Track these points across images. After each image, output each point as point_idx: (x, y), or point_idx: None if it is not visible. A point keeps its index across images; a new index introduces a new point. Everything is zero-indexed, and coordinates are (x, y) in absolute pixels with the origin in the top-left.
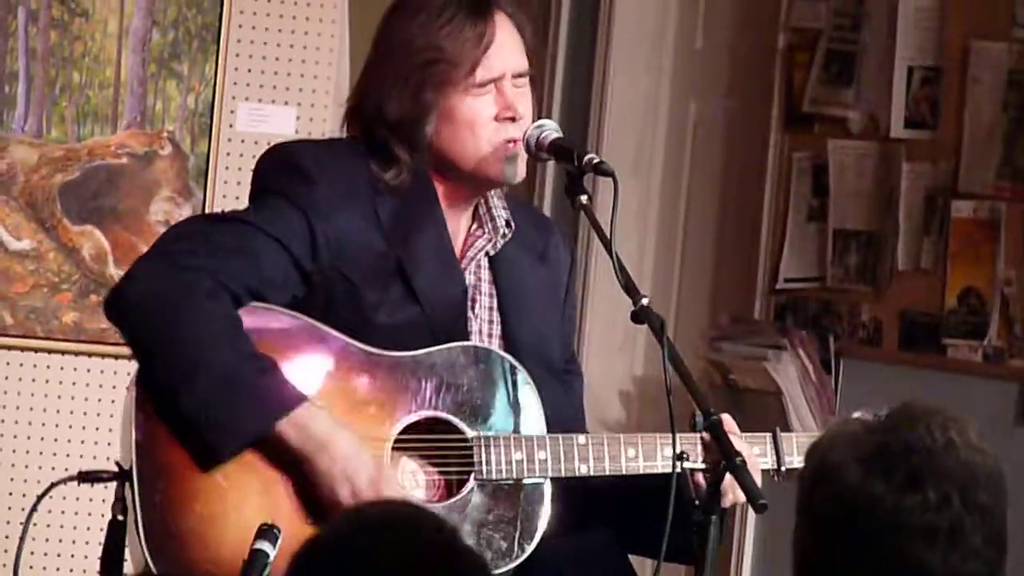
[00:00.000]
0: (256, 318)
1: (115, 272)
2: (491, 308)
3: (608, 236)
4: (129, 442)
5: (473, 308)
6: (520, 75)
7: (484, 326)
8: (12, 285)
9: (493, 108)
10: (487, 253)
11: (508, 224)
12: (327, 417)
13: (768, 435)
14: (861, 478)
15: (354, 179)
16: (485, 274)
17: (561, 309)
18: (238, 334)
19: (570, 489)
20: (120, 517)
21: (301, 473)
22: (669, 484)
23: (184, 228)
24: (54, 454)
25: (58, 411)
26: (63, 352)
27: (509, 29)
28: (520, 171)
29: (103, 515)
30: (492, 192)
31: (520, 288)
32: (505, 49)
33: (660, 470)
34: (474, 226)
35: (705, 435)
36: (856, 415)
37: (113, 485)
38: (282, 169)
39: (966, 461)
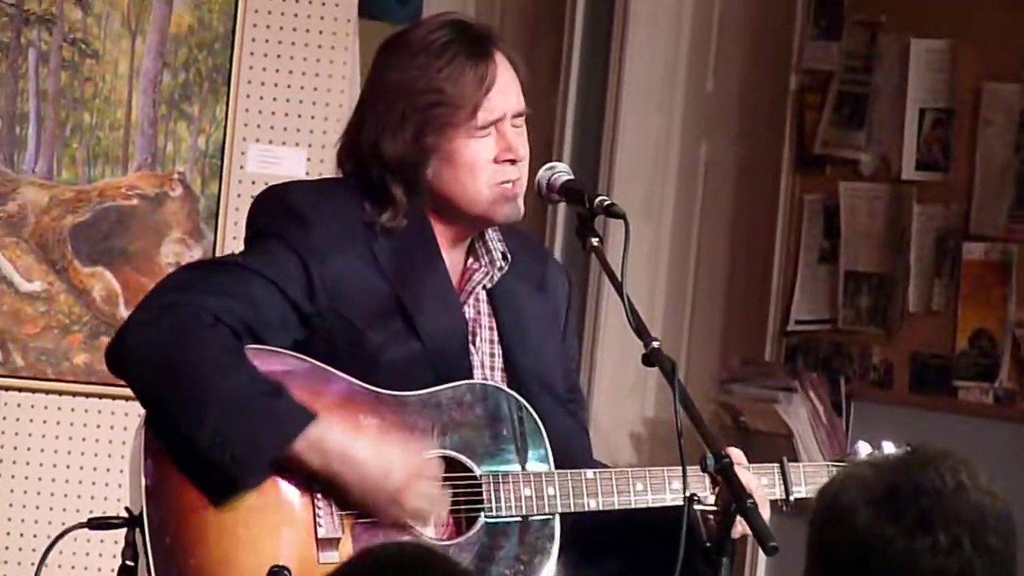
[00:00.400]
0: (261, 360)
1: (125, 314)
2: (492, 341)
3: (619, 278)
4: (138, 487)
5: (474, 341)
6: (518, 114)
7: (486, 359)
8: (23, 326)
9: (493, 150)
10: (484, 286)
11: (504, 256)
12: (340, 428)
13: (776, 466)
14: (872, 520)
15: (349, 220)
16: (484, 307)
17: (561, 336)
18: (240, 362)
19: (578, 525)
20: (130, 563)
21: (311, 502)
22: (677, 522)
23: (179, 275)
24: (65, 495)
25: (69, 452)
26: (73, 394)
27: (506, 68)
28: (519, 210)
29: (114, 554)
30: (488, 228)
31: (519, 318)
32: (505, 90)
33: (669, 503)
34: (471, 260)
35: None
36: (860, 446)
37: (123, 531)
38: (276, 212)
39: (976, 503)
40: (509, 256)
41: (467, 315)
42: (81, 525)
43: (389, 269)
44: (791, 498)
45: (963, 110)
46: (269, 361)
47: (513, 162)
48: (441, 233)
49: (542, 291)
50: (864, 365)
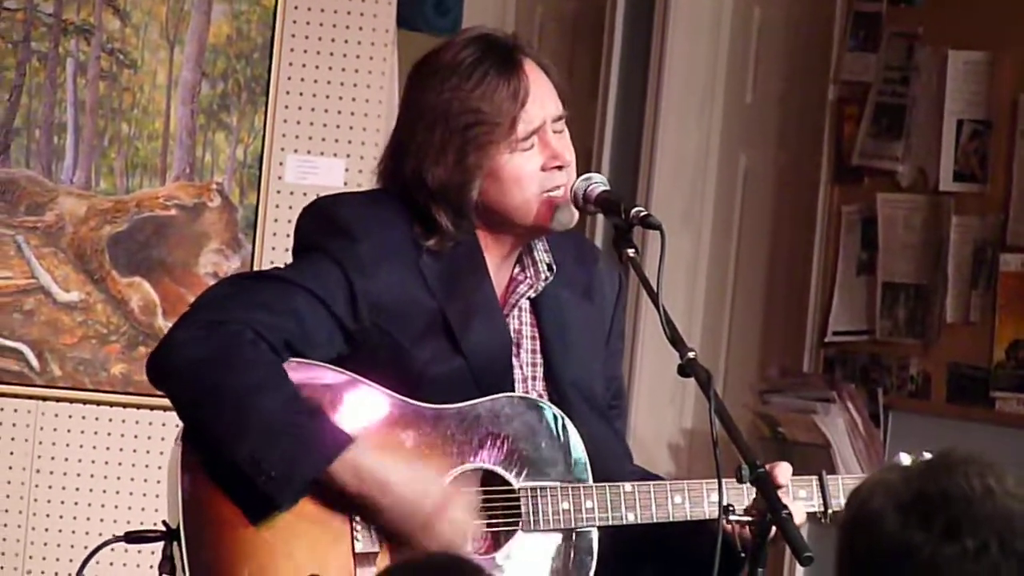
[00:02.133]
0: (300, 373)
1: (164, 324)
2: (534, 351)
3: (655, 289)
4: (176, 501)
5: (517, 353)
6: (558, 118)
7: (528, 369)
8: (60, 336)
9: (539, 159)
10: (528, 297)
11: (550, 268)
12: (378, 454)
13: (815, 478)
14: (900, 526)
15: (397, 235)
16: (527, 317)
17: (605, 343)
18: (282, 382)
19: (612, 535)
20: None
21: (350, 523)
22: (712, 533)
23: (223, 288)
24: (102, 506)
25: (107, 463)
26: (111, 404)
27: (538, 75)
28: (574, 216)
29: (151, 571)
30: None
31: (562, 327)
32: (540, 98)
33: (707, 516)
34: (516, 271)
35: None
36: (902, 456)
37: (161, 543)
38: (323, 225)
39: (1004, 508)
40: (555, 266)
41: (511, 326)
42: (119, 539)
43: (435, 285)
44: (829, 511)
45: (1000, 121)
46: (308, 374)
47: (560, 168)
48: (490, 248)
49: (588, 297)
50: (902, 376)
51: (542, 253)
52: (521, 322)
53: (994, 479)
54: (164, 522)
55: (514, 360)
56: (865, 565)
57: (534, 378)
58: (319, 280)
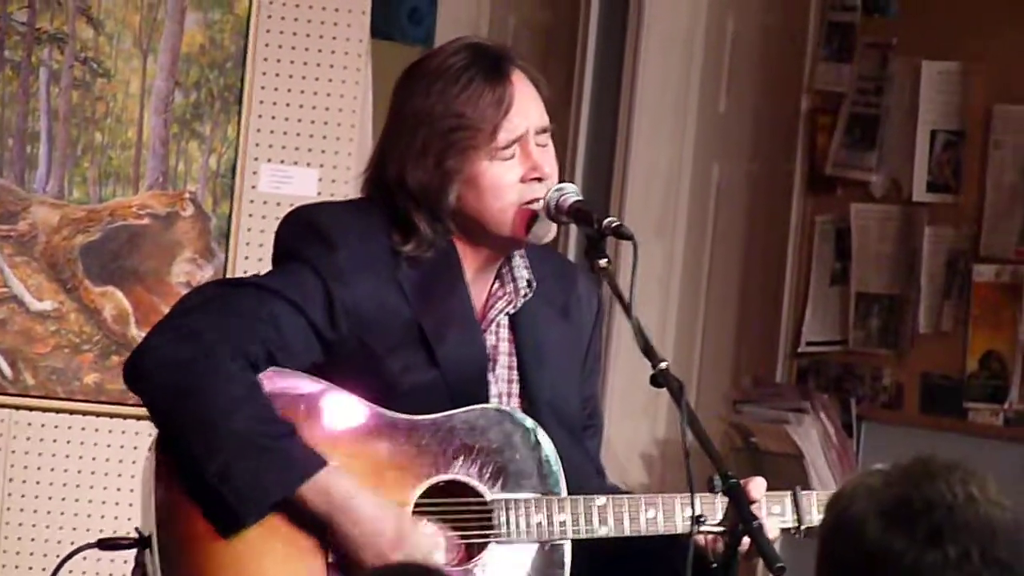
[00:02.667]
0: (276, 382)
1: (136, 333)
2: (510, 367)
3: (628, 300)
4: (149, 509)
5: (493, 368)
6: (542, 130)
7: (504, 385)
8: (33, 346)
9: (519, 170)
10: (507, 313)
11: (529, 284)
12: (348, 480)
13: (788, 493)
14: (881, 532)
15: (376, 245)
16: (505, 333)
17: (582, 363)
18: (257, 398)
19: (585, 548)
20: None
21: (323, 538)
22: (684, 544)
23: (202, 294)
24: (75, 515)
25: (79, 472)
26: (84, 413)
27: (526, 85)
28: (551, 230)
29: None
30: (515, 254)
31: (539, 345)
32: (525, 107)
33: (680, 531)
34: (496, 286)
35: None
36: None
37: (133, 551)
38: (302, 234)
39: (986, 516)
40: (534, 283)
41: (488, 342)
42: (91, 545)
43: (412, 296)
44: (803, 526)
45: (974, 132)
46: (284, 383)
47: (540, 180)
48: (468, 259)
49: (566, 316)
50: (875, 386)
51: (522, 269)
52: (499, 338)
53: (976, 487)
54: (137, 529)
55: (490, 375)
56: (846, 570)
57: (509, 395)
58: (297, 288)
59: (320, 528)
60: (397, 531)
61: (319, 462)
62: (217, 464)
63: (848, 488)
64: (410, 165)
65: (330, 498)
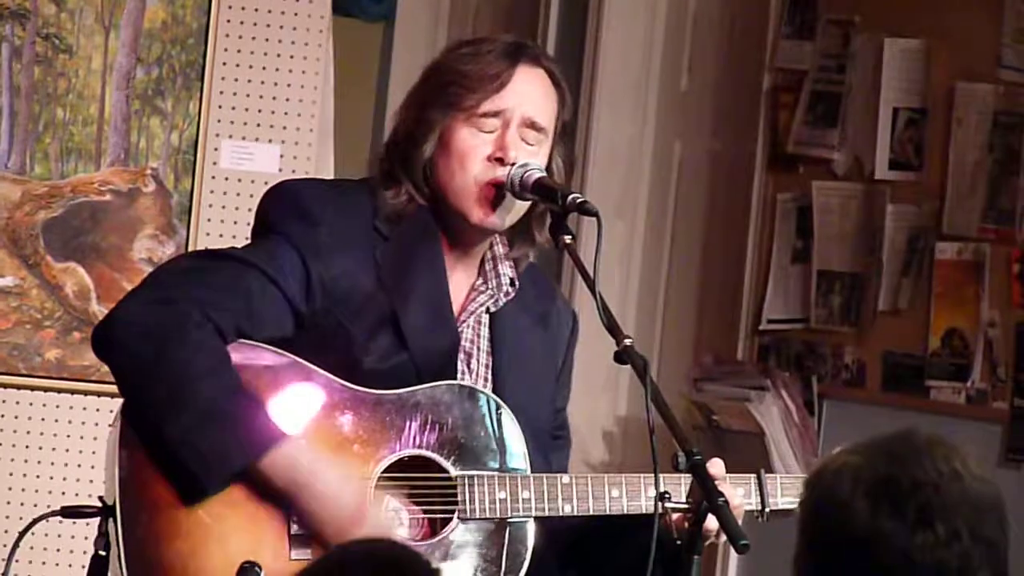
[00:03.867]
0: (242, 354)
1: (98, 309)
2: (486, 365)
3: (592, 276)
4: (112, 477)
5: (469, 364)
6: (531, 125)
7: (479, 383)
8: None
9: (489, 146)
10: (488, 309)
11: (512, 283)
12: (312, 453)
13: (753, 476)
14: (870, 514)
15: (357, 222)
16: (484, 331)
17: (556, 374)
18: (225, 368)
19: (547, 523)
20: (102, 552)
21: (285, 509)
22: (649, 521)
23: (178, 263)
24: (36, 491)
25: (40, 448)
26: (45, 389)
27: (541, 82)
28: (505, 218)
29: (86, 551)
30: (497, 248)
31: (516, 349)
32: (523, 92)
33: (644, 510)
34: (479, 281)
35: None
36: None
37: (96, 520)
38: (285, 208)
39: (972, 492)
40: (517, 283)
41: (466, 335)
42: (54, 513)
43: (388, 276)
44: (767, 509)
45: (936, 110)
46: (250, 355)
47: (502, 162)
48: (448, 246)
49: (544, 327)
50: (836, 364)
51: (506, 267)
52: (478, 334)
53: (959, 462)
54: (100, 498)
55: (465, 368)
56: (832, 552)
57: None
58: (275, 261)
59: (282, 500)
60: (359, 506)
61: (281, 435)
62: (182, 432)
63: (830, 468)
64: (404, 109)
65: (293, 471)
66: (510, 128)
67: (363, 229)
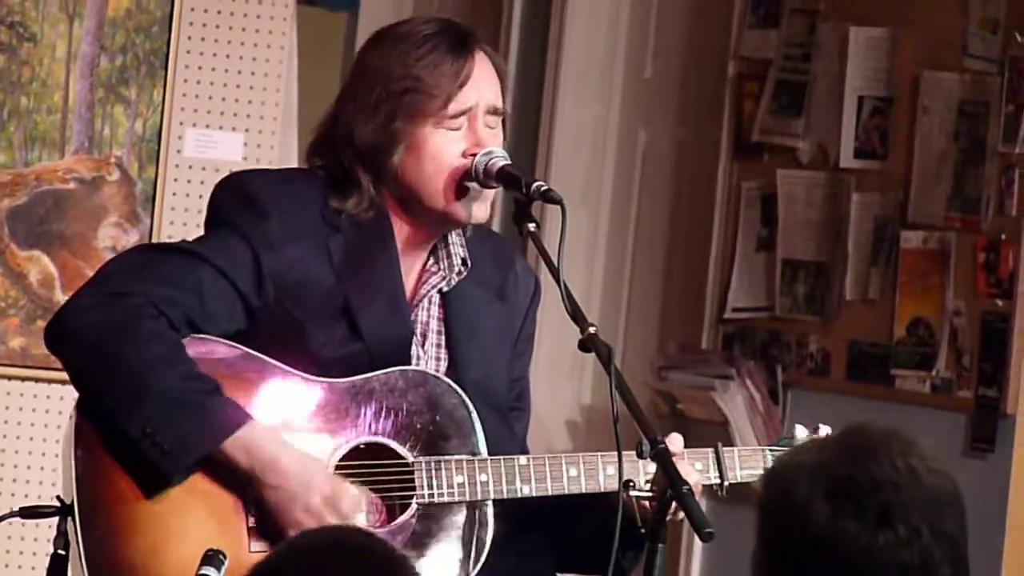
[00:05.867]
0: (194, 349)
1: (62, 298)
2: (440, 345)
3: (556, 264)
4: (69, 476)
5: (423, 344)
6: (494, 112)
7: (432, 363)
8: None
9: (462, 144)
10: (440, 290)
11: (464, 263)
12: (273, 435)
13: (711, 450)
14: (830, 516)
15: (308, 212)
16: (436, 311)
17: (512, 346)
18: (180, 357)
19: (508, 506)
20: (62, 552)
21: (248, 496)
22: (613, 508)
23: (128, 258)
24: (1, 479)
25: (4, 436)
26: (9, 378)
27: (487, 67)
28: (486, 211)
29: (46, 550)
30: (452, 232)
31: (470, 326)
32: (481, 83)
33: (603, 489)
34: (430, 262)
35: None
36: (798, 429)
37: (56, 519)
38: (235, 200)
39: (931, 488)
40: (469, 262)
41: (419, 318)
42: (13, 514)
43: (341, 266)
44: (726, 483)
45: (901, 98)
46: (203, 348)
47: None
48: (402, 233)
49: (501, 298)
50: (801, 353)
51: (457, 247)
52: (430, 315)
53: (916, 457)
54: (58, 497)
55: (420, 351)
56: (791, 552)
57: (437, 371)
58: (226, 254)
59: (243, 487)
60: (326, 485)
61: (243, 418)
62: (141, 422)
63: (787, 467)
64: (360, 121)
65: (255, 454)
66: (478, 120)
67: (314, 220)
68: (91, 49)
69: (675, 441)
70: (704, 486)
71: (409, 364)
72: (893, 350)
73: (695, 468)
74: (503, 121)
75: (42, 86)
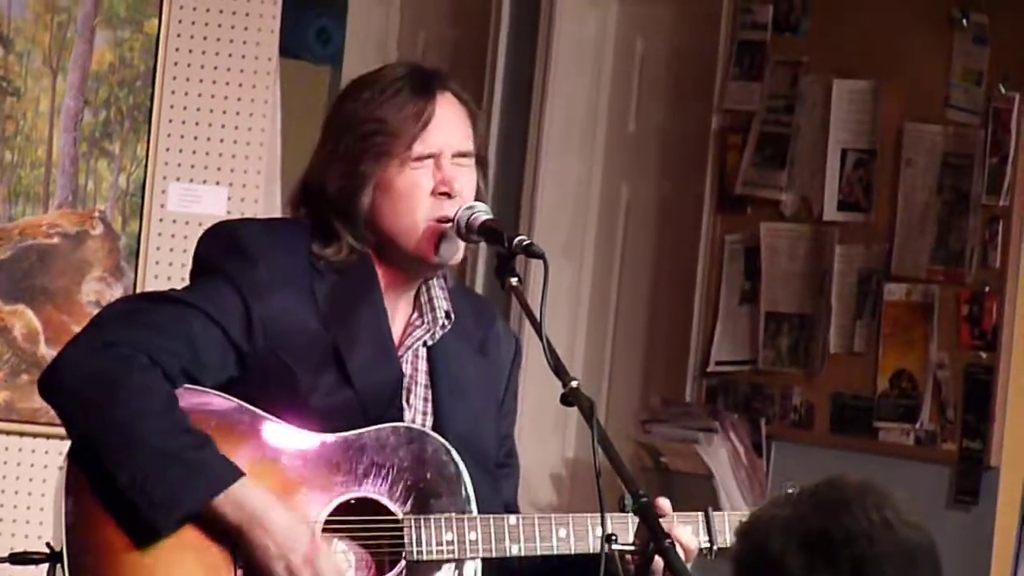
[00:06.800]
0: (187, 399)
1: (47, 352)
2: (425, 399)
3: (538, 318)
4: (60, 522)
5: (408, 398)
6: (460, 154)
7: (418, 417)
8: None
9: (431, 182)
10: (425, 343)
11: (448, 315)
12: (263, 492)
13: (700, 514)
14: (805, 569)
15: (294, 259)
16: (422, 364)
17: (499, 402)
18: (173, 410)
19: (497, 565)
20: None
21: (237, 552)
22: (597, 565)
23: (120, 307)
24: None
25: None
26: None
27: (455, 110)
28: (457, 252)
29: None
30: (433, 281)
31: (456, 380)
32: (446, 127)
33: (592, 551)
34: (414, 315)
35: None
36: (789, 489)
37: (45, 567)
38: (221, 248)
39: (904, 541)
40: (453, 315)
41: (404, 371)
42: (2, 559)
43: (327, 312)
44: (715, 547)
45: (885, 151)
46: (197, 400)
47: (449, 196)
48: (385, 278)
49: (483, 354)
50: (784, 406)
51: (441, 300)
52: (416, 368)
53: (891, 510)
54: (48, 544)
55: (404, 404)
56: None
57: (423, 426)
58: (215, 302)
59: (231, 541)
60: (309, 546)
61: (235, 474)
62: (131, 475)
63: (763, 520)
64: (329, 169)
65: (244, 510)
66: (443, 162)
67: (300, 267)
68: (75, 103)
69: (663, 506)
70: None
71: (400, 407)
72: (877, 403)
73: (685, 532)
74: (480, 160)
75: (26, 140)
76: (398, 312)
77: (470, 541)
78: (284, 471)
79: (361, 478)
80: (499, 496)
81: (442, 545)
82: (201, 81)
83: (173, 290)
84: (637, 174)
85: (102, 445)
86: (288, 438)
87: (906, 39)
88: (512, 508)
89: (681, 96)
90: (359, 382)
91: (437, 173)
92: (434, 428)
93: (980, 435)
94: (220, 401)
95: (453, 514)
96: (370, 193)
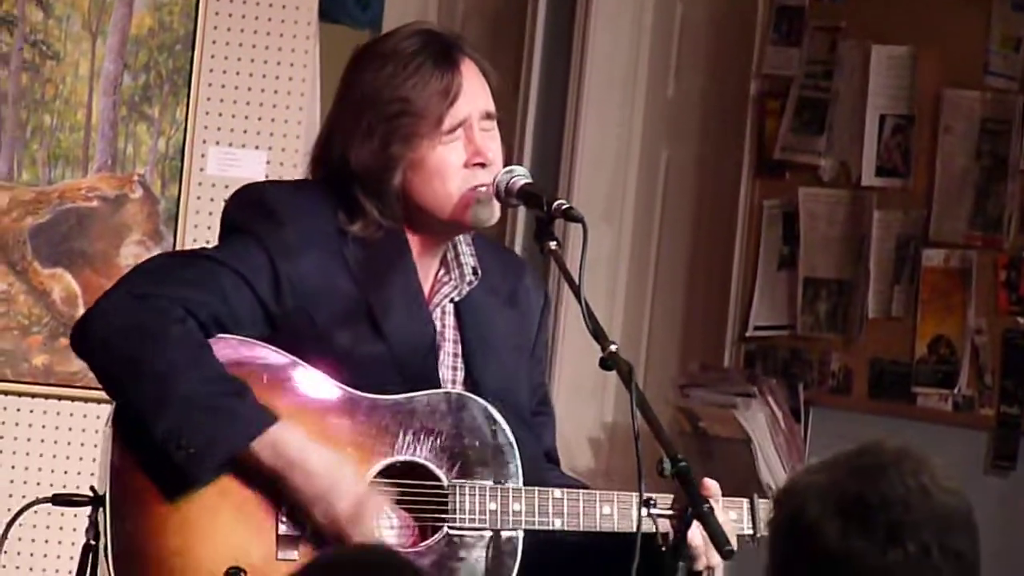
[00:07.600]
0: (242, 351)
1: None
2: (455, 355)
3: (577, 282)
4: (106, 468)
5: (438, 355)
6: (487, 116)
7: (448, 372)
8: None
9: (463, 155)
10: (452, 299)
11: (475, 271)
12: (302, 435)
13: (745, 500)
14: (840, 534)
15: (323, 221)
16: (450, 320)
17: (530, 353)
18: (208, 357)
19: (535, 532)
20: (93, 542)
21: (275, 503)
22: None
23: (151, 263)
24: (23, 496)
25: (27, 454)
26: (33, 395)
27: (475, 73)
28: (494, 214)
29: (74, 542)
30: (460, 237)
31: (485, 334)
32: (471, 94)
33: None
34: (441, 272)
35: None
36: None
37: (87, 509)
38: (250, 209)
39: (942, 507)
40: (479, 271)
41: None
42: (46, 499)
43: (358, 272)
44: (758, 534)
45: (923, 116)
46: (250, 353)
47: (483, 165)
48: (414, 241)
49: (513, 306)
50: (823, 371)
51: (468, 256)
52: (444, 324)
53: (928, 476)
54: (92, 487)
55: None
56: (804, 571)
57: (454, 382)
58: (245, 261)
59: (272, 488)
60: (354, 487)
61: (270, 418)
62: (167, 426)
63: (799, 486)
64: (355, 146)
65: (282, 452)
66: (474, 130)
67: (328, 227)
68: (114, 67)
69: (711, 488)
70: (736, 536)
71: (434, 364)
72: (915, 368)
73: (730, 518)
74: (499, 122)
75: (65, 104)
76: (427, 271)
77: (513, 512)
78: (333, 429)
79: (410, 442)
80: (540, 445)
81: (485, 514)
82: (240, 45)
83: (203, 248)
84: (676, 139)
85: (136, 398)
86: (340, 397)
87: (944, 5)
88: (552, 455)
89: (720, 61)
90: (392, 337)
91: (468, 144)
92: (465, 383)
93: (1018, 400)
94: (275, 356)
95: (499, 484)
96: (401, 173)
